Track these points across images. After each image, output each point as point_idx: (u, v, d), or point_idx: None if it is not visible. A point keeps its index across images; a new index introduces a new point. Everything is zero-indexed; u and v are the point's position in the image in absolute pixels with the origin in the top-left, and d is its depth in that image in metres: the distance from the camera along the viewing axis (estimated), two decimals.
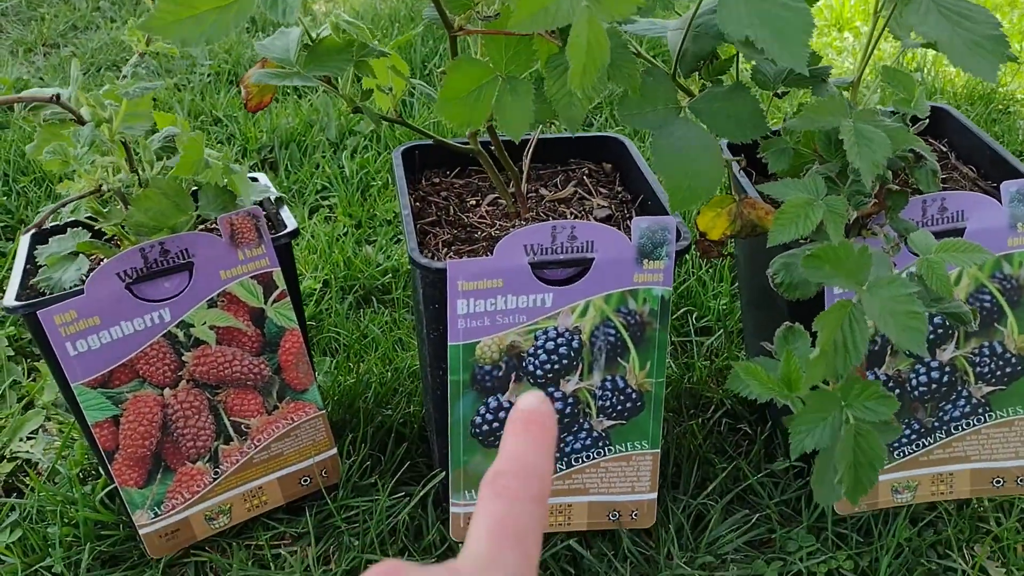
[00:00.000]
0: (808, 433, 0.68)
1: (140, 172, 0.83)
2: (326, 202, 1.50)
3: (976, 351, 0.86)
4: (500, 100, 0.71)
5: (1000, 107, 2.08)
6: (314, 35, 0.76)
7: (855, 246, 0.67)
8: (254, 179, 0.97)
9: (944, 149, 1.01)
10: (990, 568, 0.88)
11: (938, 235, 0.80)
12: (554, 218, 0.91)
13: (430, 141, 0.92)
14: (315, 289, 1.27)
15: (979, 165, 0.97)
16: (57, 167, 0.76)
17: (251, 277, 0.84)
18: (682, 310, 1.25)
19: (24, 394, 1.13)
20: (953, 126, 1.02)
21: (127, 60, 2.08)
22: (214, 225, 0.86)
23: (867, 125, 0.75)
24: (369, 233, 1.42)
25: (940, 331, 0.85)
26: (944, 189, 0.94)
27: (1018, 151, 1.81)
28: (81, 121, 0.76)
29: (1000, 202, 0.83)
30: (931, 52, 2.43)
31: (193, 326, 0.83)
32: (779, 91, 0.90)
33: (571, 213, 0.92)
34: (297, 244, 1.38)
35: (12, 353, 1.18)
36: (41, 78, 2.00)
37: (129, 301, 0.80)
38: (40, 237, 0.88)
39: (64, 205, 0.84)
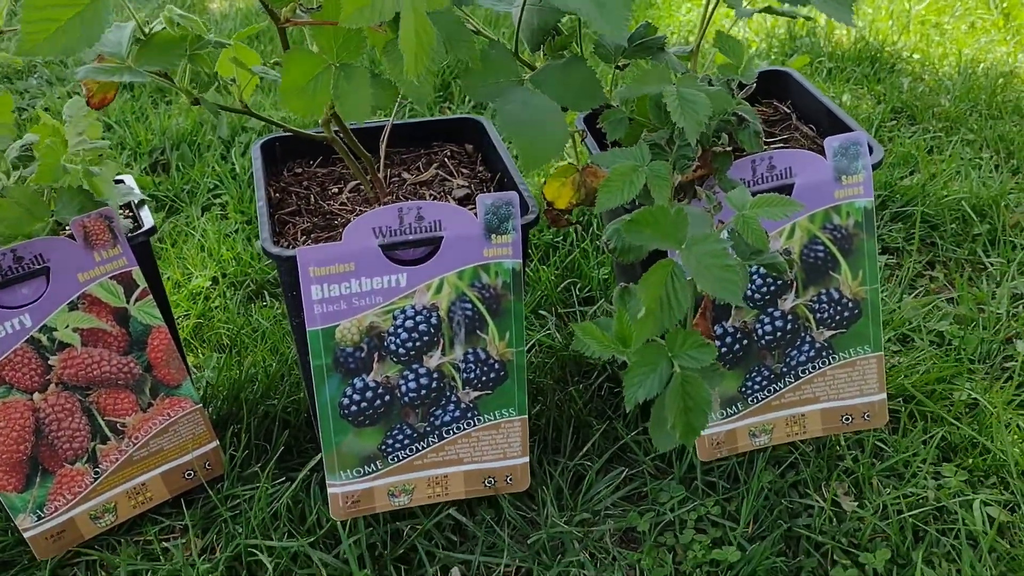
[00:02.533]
0: (640, 384, 0.72)
1: None
2: (218, 200, 1.51)
3: (815, 299, 0.91)
4: (337, 88, 0.73)
5: (887, 65, 2.16)
6: (146, 30, 0.78)
7: (672, 208, 0.71)
8: (119, 181, 0.98)
9: (787, 110, 1.06)
10: (843, 502, 0.94)
11: (768, 191, 0.85)
12: (414, 200, 0.94)
13: (290, 133, 0.94)
14: (203, 287, 1.28)
15: (819, 124, 1.02)
16: None
17: (110, 278, 0.86)
18: (566, 282, 1.28)
19: None
20: (796, 88, 1.07)
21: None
22: (66, 227, 0.87)
23: (690, 90, 0.79)
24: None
25: (780, 283, 0.90)
26: (785, 147, 0.99)
27: (899, 107, 1.89)
28: None
29: (824, 156, 0.88)
30: (823, 16, 2.50)
31: (56, 330, 0.85)
32: (620, 63, 0.94)
33: (431, 195, 0.95)
34: (186, 243, 1.38)
35: None
36: None
37: None
38: None
39: None
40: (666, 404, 0.72)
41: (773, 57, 2.26)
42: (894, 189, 1.49)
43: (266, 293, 1.30)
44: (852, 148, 0.87)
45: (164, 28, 0.78)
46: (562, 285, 1.28)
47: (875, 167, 0.89)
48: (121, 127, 1.72)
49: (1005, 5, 2.55)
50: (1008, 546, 0.88)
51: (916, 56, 2.20)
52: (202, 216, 1.47)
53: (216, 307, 1.26)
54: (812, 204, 0.88)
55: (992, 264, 1.33)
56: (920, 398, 1.05)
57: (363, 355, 0.85)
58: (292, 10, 0.73)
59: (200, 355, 1.18)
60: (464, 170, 1.00)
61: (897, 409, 1.05)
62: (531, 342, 1.17)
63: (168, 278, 1.30)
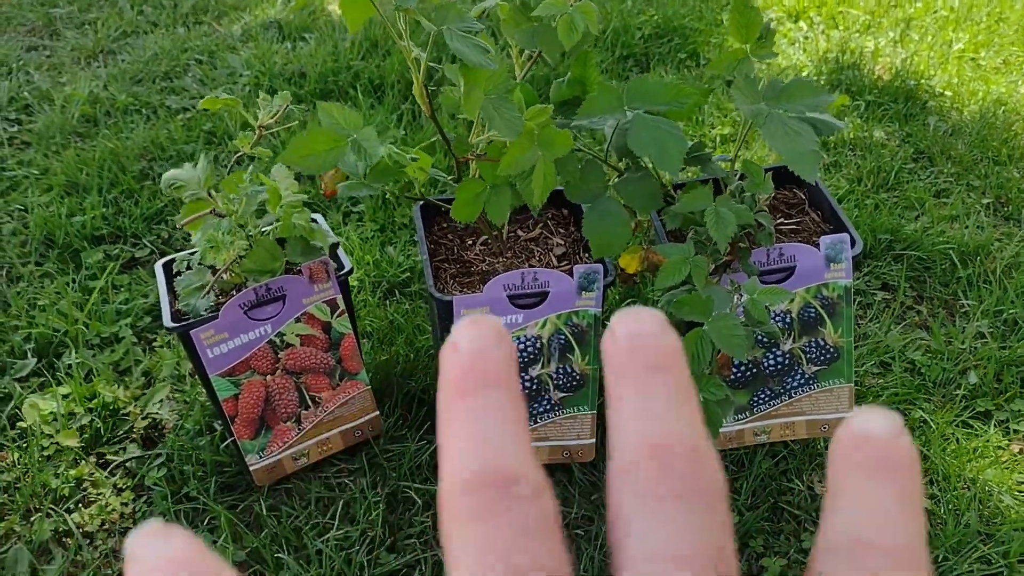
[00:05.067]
0: None
1: (248, 230, 1.25)
2: (355, 209, 1.91)
3: (806, 344, 1.29)
4: (489, 201, 1.12)
5: (920, 102, 2.46)
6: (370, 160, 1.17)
7: (704, 294, 1.09)
8: (314, 221, 1.38)
9: (803, 197, 1.42)
10: (816, 488, 1.33)
11: (777, 271, 1.23)
12: (526, 255, 1.33)
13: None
14: (353, 285, 1.69)
15: (823, 211, 1.38)
16: (204, 247, 1.18)
17: (323, 302, 1.27)
18: (626, 299, 1.67)
19: (147, 370, 1.57)
20: (816, 182, 1.42)
21: (177, 69, 2.45)
22: (297, 268, 1.28)
23: (723, 208, 1.16)
24: (391, 236, 1.83)
25: (787, 332, 1.28)
26: (797, 227, 1.36)
27: (921, 148, 2.19)
28: (219, 214, 1.17)
29: (818, 249, 1.24)
30: (867, 48, 2.79)
31: (285, 335, 1.26)
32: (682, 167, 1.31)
33: (537, 250, 1.34)
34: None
35: (136, 340, 1.61)
36: (106, 87, 2.38)
37: (246, 322, 1.22)
38: (167, 267, 1.30)
39: (193, 254, 1.26)
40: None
41: (822, 79, 2.57)
42: (899, 234, 1.83)
43: (397, 292, 1.71)
44: (838, 244, 1.24)
45: (383, 158, 1.17)
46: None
47: (855, 256, 1.25)
48: (273, 136, 2.12)
49: None
50: (927, 526, 1.26)
51: (948, 93, 2.49)
52: (344, 224, 1.87)
53: (361, 302, 1.67)
54: (807, 281, 1.25)
55: (968, 305, 1.68)
56: None
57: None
58: (468, 152, 1.12)
59: None
60: (561, 230, 1.39)
61: None
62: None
63: None
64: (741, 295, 1.15)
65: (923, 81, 2.53)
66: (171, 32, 2.69)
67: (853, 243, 1.26)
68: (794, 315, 1.27)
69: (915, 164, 2.14)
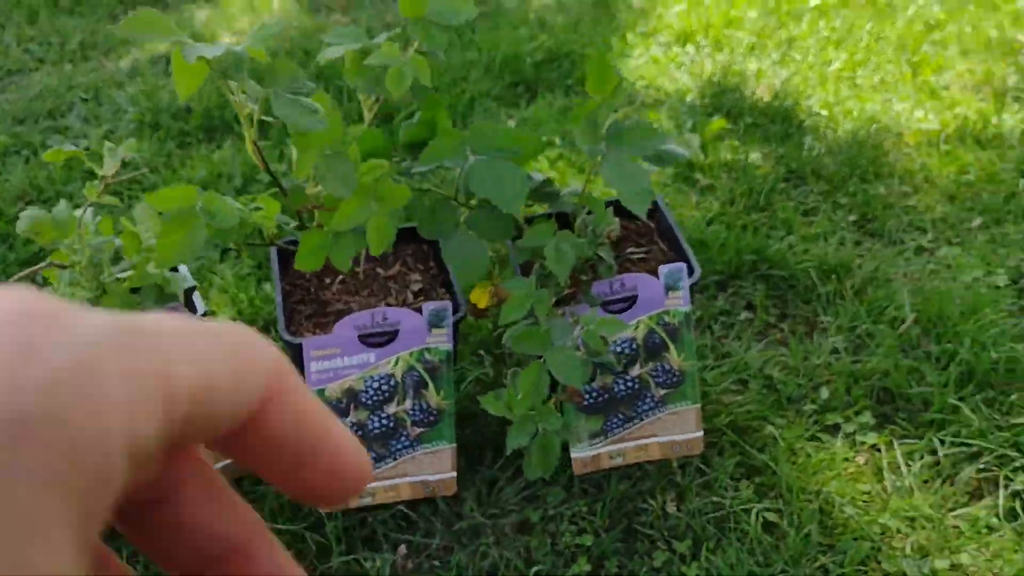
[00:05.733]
0: (517, 437, 1.15)
1: (104, 277, 1.25)
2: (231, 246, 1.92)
3: (653, 369, 1.34)
4: (332, 249, 1.15)
5: (797, 122, 2.55)
6: None
7: (543, 327, 1.13)
8: (174, 269, 1.39)
9: (652, 226, 1.48)
10: (669, 508, 1.38)
11: (620, 301, 1.28)
12: (383, 292, 1.36)
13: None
14: None
15: (670, 240, 1.44)
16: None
17: None
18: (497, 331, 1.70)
19: None
20: (659, 209, 1.48)
21: (61, 107, 2.43)
22: None
23: (563, 243, 1.21)
24: (268, 272, 1.84)
25: (628, 360, 1.33)
26: (642, 260, 1.41)
27: (794, 168, 2.28)
28: (60, 266, 1.17)
29: (658, 278, 1.30)
30: (751, 70, 2.89)
31: None
32: (529, 203, 1.36)
33: (395, 287, 1.37)
34: (210, 285, 1.80)
35: None
36: None
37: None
38: None
39: None
40: (532, 451, 1.15)
41: (705, 102, 2.65)
42: (763, 254, 1.91)
43: (272, 328, 1.72)
44: (676, 273, 1.29)
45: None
46: (496, 333, 1.70)
47: (694, 284, 1.31)
48: (153, 174, 2.12)
49: (915, 59, 2.94)
50: (769, 537, 1.32)
51: (824, 112, 2.60)
52: (221, 261, 1.88)
53: None
54: (649, 309, 1.30)
55: (826, 321, 1.76)
56: (728, 433, 1.49)
57: (343, 405, 1.27)
58: (305, 201, 1.15)
59: None
60: (420, 266, 1.42)
61: (717, 439, 1.48)
62: (470, 378, 1.59)
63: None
64: (577, 326, 1.20)
65: (801, 101, 2.63)
66: (58, 69, 2.66)
67: (692, 271, 1.31)
68: (640, 342, 1.32)
69: (786, 184, 2.23)
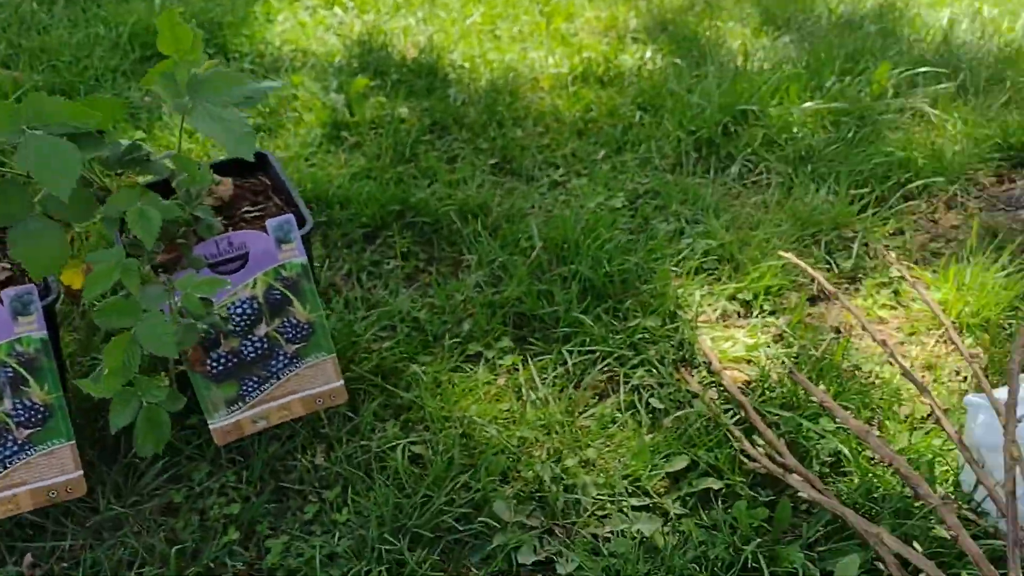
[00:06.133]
0: (120, 415, 1.09)
1: None
2: None
3: (280, 326, 1.32)
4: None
5: (442, 76, 2.62)
6: None
7: (126, 299, 1.07)
8: None
9: (268, 183, 1.46)
10: (319, 460, 1.38)
11: (232, 260, 1.24)
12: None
13: None
14: None
15: (285, 194, 1.43)
16: None
17: None
18: None
19: None
20: (272, 165, 1.46)
21: None
22: None
23: (149, 207, 1.15)
24: None
25: (253, 318, 1.30)
26: (258, 218, 1.39)
27: (439, 119, 2.35)
28: None
29: (268, 233, 1.28)
30: (397, 28, 2.92)
31: None
32: (119, 171, 1.27)
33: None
34: None
35: None
36: None
37: None
38: None
39: None
40: (139, 427, 1.09)
41: (352, 63, 2.64)
42: (408, 203, 1.95)
43: None
44: (285, 226, 1.28)
45: None
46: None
47: (307, 234, 1.30)
48: None
49: (548, 9, 3.13)
50: (416, 468, 1.36)
51: (467, 65, 2.69)
52: None
53: None
54: (264, 265, 1.28)
55: (470, 260, 1.84)
56: (374, 378, 1.51)
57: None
58: None
59: None
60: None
61: (363, 385, 1.50)
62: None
63: None
64: (173, 292, 1.15)
65: (445, 56, 2.71)
66: None
67: (304, 223, 1.31)
68: (260, 300, 1.30)
69: (431, 135, 2.29)
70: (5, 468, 1.21)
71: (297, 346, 1.34)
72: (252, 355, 1.32)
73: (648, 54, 2.74)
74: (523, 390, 1.53)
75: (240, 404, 1.34)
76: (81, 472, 1.26)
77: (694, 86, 2.44)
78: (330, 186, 1.99)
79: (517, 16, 3.06)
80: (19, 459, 1.21)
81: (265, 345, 1.32)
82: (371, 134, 2.26)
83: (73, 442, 1.24)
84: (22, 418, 1.19)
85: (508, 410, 1.49)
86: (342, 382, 1.39)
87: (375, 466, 1.37)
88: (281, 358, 1.34)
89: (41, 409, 1.20)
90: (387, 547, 1.24)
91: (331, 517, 1.30)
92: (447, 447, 1.39)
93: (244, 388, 1.33)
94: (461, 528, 1.28)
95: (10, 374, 1.17)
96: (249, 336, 1.31)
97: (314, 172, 2.06)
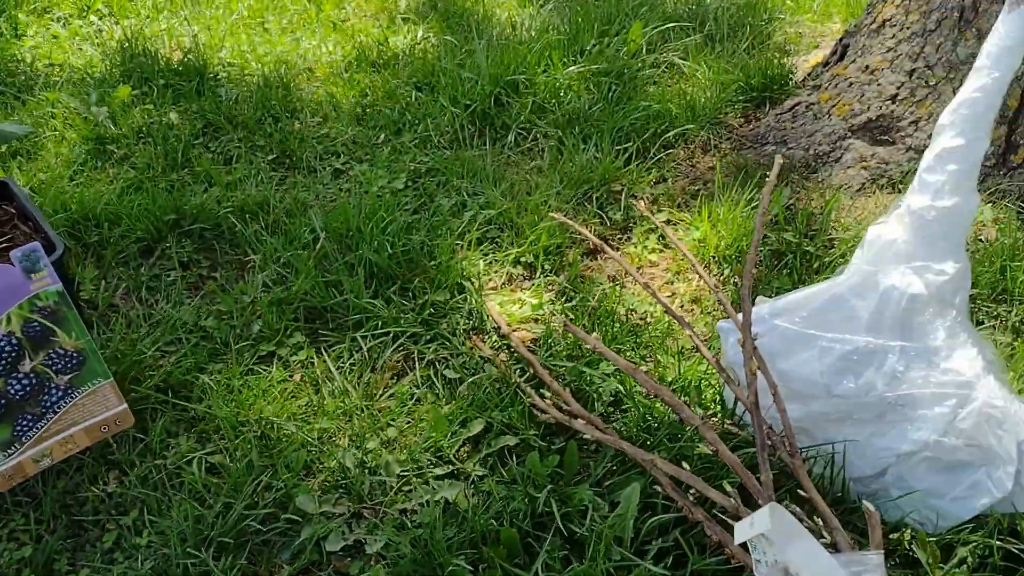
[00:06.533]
0: None
1: None
2: None
3: (47, 358, 1.28)
4: None
5: (211, 76, 2.55)
6: None
7: None
8: None
9: (13, 211, 1.39)
10: (112, 488, 1.35)
11: None
12: None
13: None
14: None
15: (33, 221, 1.37)
16: None
17: None
18: None
19: None
20: (17, 193, 1.39)
21: None
22: None
23: None
24: None
25: (15, 355, 1.25)
26: (5, 248, 1.32)
27: (212, 121, 2.29)
28: None
29: (13, 264, 1.23)
30: (160, 32, 2.81)
31: None
32: None
33: None
34: None
35: None
36: None
37: None
38: None
39: None
40: None
41: (114, 72, 2.52)
42: (183, 211, 1.90)
43: None
44: (33, 255, 1.23)
45: None
46: None
47: (59, 259, 1.26)
48: None
49: None
50: (214, 478, 1.36)
51: (237, 62, 2.63)
52: None
53: None
54: (16, 298, 1.23)
55: (254, 260, 1.82)
56: (160, 395, 1.49)
57: None
58: None
59: None
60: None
61: (149, 404, 1.47)
62: None
63: None
64: None
65: (213, 54, 2.63)
66: None
67: (53, 248, 1.26)
68: (19, 335, 1.24)
69: (204, 138, 2.24)
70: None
71: (69, 376, 1.30)
72: (21, 393, 1.27)
73: (420, 33, 2.77)
74: (320, 382, 1.54)
75: (16, 446, 1.28)
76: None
77: (465, 60, 2.50)
78: (98, 203, 1.92)
79: (285, 7, 3.01)
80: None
81: (34, 381, 1.27)
82: (139, 144, 2.18)
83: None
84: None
85: (307, 405, 1.50)
86: (125, 405, 1.36)
87: (172, 483, 1.35)
88: (54, 391, 1.29)
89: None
90: (191, 561, 1.23)
91: (132, 542, 1.28)
92: (245, 452, 1.39)
93: (18, 429, 1.28)
94: (266, 529, 1.29)
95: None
96: (14, 374, 1.26)
97: (80, 191, 1.97)
